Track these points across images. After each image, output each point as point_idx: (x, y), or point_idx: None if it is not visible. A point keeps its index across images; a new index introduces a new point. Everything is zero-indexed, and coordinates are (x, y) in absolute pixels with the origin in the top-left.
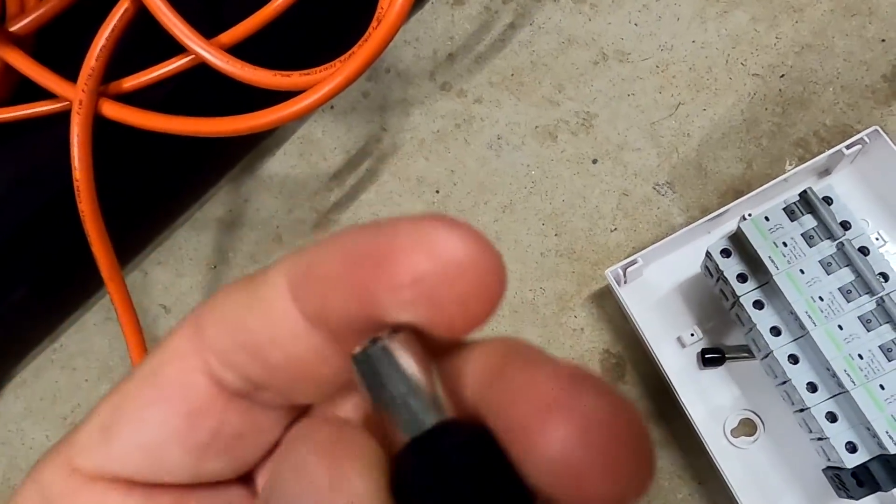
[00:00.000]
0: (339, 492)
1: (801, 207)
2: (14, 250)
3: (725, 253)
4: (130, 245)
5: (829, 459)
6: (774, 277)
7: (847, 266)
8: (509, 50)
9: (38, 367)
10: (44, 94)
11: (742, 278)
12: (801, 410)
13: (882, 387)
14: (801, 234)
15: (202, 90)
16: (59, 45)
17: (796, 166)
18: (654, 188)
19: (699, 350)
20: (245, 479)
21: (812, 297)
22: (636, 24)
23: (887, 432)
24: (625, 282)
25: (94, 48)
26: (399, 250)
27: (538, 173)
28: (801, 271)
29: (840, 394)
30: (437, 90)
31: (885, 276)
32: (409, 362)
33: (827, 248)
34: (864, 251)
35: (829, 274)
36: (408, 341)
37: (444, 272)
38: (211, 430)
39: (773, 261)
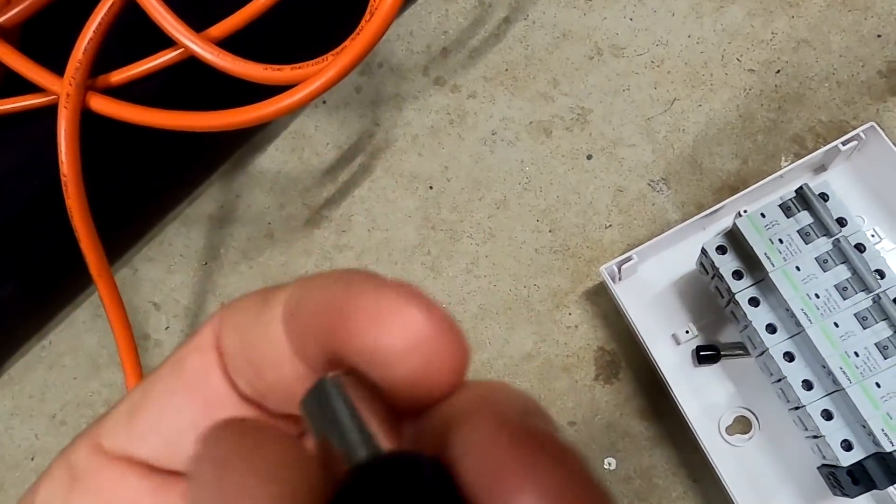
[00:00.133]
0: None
1: (797, 204)
2: (0, 247)
3: (721, 250)
4: (120, 241)
5: (824, 457)
6: (770, 274)
7: (843, 263)
8: (503, 44)
9: (26, 364)
10: (30, 88)
11: (737, 275)
12: (797, 408)
13: (878, 384)
14: (798, 231)
15: (192, 84)
16: (46, 37)
17: (792, 162)
18: (649, 184)
19: (694, 347)
20: None
21: (808, 295)
22: (631, 19)
23: (883, 430)
24: (619, 279)
25: (81, 41)
26: (368, 318)
27: (532, 169)
28: (797, 268)
29: (835, 391)
30: (430, 85)
31: (881, 274)
32: (350, 398)
33: (823, 244)
34: (860, 248)
35: (825, 271)
36: (355, 380)
37: (402, 352)
38: None
39: (768, 258)
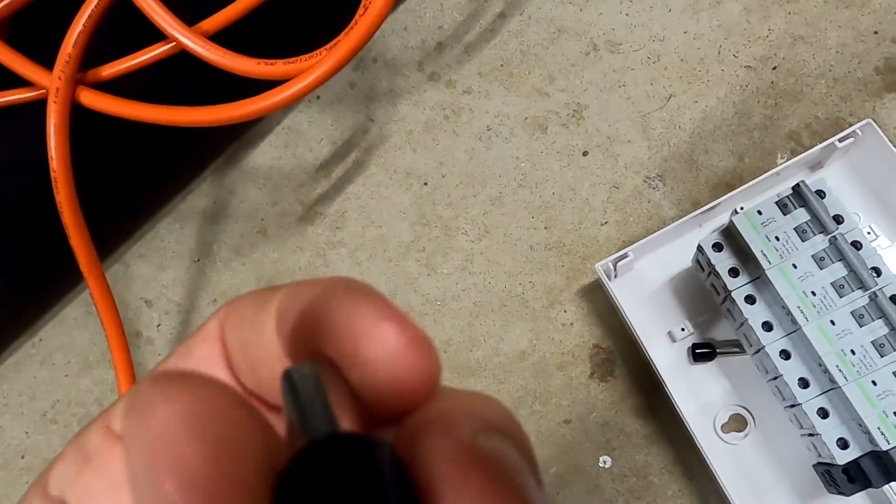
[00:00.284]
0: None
1: (793, 201)
2: None
3: (717, 247)
4: (111, 238)
5: (819, 455)
6: (766, 272)
7: (840, 261)
8: (499, 40)
9: (17, 362)
10: (19, 82)
11: (734, 273)
12: (793, 406)
13: (874, 383)
14: (794, 228)
15: (183, 78)
16: (35, 31)
17: (788, 159)
18: (645, 181)
19: (690, 345)
20: None
21: (804, 292)
22: (627, 15)
23: (879, 428)
24: (615, 276)
25: (70, 34)
26: (346, 333)
27: (528, 165)
28: (794, 266)
29: (832, 389)
30: (425, 80)
31: (877, 271)
32: (323, 386)
33: (820, 242)
34: (856, 245)
35: (821, 268)
36: (332, 372)
37: (374, 365)
38: None
39: (765, 255)
